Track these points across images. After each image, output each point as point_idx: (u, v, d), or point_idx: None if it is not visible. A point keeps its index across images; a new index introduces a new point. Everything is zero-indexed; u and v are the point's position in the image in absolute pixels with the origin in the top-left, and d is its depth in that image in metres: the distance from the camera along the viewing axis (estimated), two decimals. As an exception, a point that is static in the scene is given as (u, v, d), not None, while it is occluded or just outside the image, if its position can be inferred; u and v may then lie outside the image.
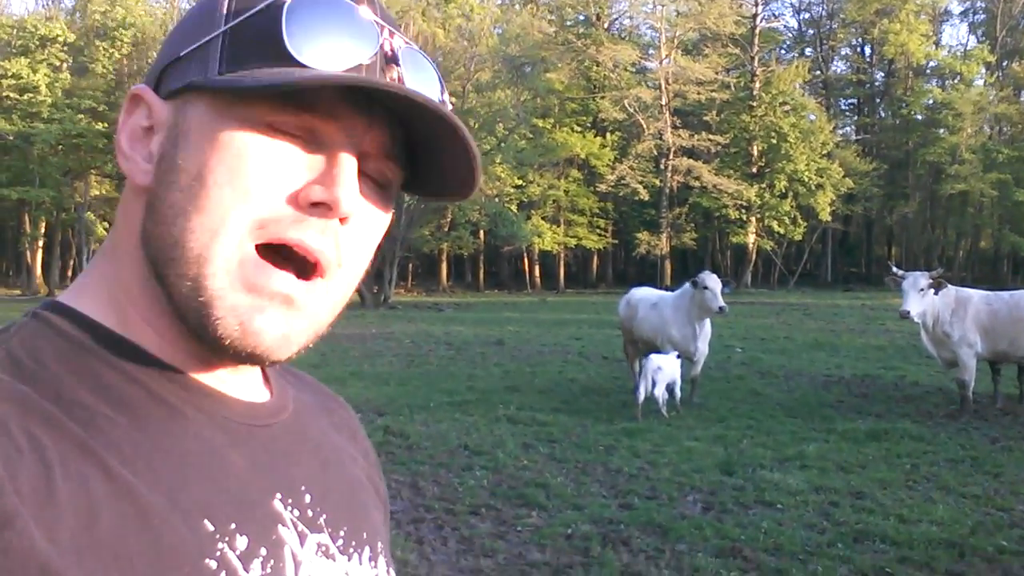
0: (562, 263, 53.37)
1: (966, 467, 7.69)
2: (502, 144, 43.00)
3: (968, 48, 58.02)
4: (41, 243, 47.79)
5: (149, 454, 0.70)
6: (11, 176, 43.54)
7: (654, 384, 9.75)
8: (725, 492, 6.86)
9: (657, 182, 49.05)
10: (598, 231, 51.99)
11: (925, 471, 7.54)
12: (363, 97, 0.72)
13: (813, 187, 47.45)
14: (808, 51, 61.34)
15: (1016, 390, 10.72)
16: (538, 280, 53.24)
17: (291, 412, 0.86)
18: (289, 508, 0.78)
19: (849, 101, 64.40)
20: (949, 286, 10.17)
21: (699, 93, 48.48)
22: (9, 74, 41.36)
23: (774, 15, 60.23)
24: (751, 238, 49.90)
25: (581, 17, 55.52)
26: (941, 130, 52.77)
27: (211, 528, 0.70)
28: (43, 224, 47.77)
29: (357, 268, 0.79)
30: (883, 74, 60.64)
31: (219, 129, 0.72)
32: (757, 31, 52.66)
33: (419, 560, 5.36)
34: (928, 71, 57.83)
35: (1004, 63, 55.97)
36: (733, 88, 51.03)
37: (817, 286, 49.59)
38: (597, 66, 50.44)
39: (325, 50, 0.71)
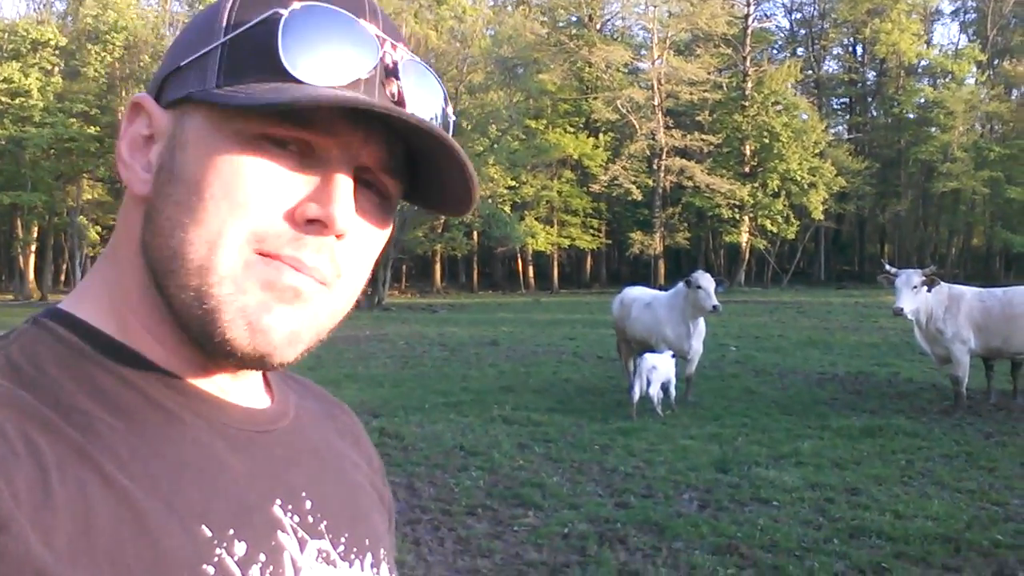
0: (556, 263, 53.40)
1: (961, 462, 7.71)
2: (495, 145, 43.00)
3: (959, 47, 58.17)
4: (34, 247, 47.63)
5: (147, 459, 0.70)
6: (3, 180, 43.40)
7: (649, 383, 9.76)
8: (721, 490, 6.87)
9: (650, 182, 49.07)
10: (591, 231, 52.02)
11: (920, 467, 7.56)
12: (361, 112, 0.71)
13: (806, 186, 47.54)
14: (800, 51, 61.40)
15: (1009, 385, 10.75)
16: (532, 281, 53.24)
17: (292, 418, 0.86)
18: (289, 514, 0.77)
19: (841, 100, 64.51)
20: (942, 283, 10.21)
21: (691, 93, 48.53)
22: (1, 78, 41.24)
23: (766, 15, 60.47)
24: (744, 237, 49.96)
25: (573, 18, 55.53)
26: (933, 128, 52.87)
27: (209, 534, 0.69)
28: (36, 228, 47.60)
29: (357, 279, 0.78)
30: (875, 73, 60.76)
31: (216, 142, 0.72)
32: (749, 31, 52.74)
33: (416, 561, 5.36)
34: (919, 70, 58.00)
35: (995, 62, 56.18)
36: (725, 88, 51.08)
37: (810, 284, 49.67)
38: (589, 67, 50.48)
39: (322, 65, 0.70)
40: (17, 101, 41.33)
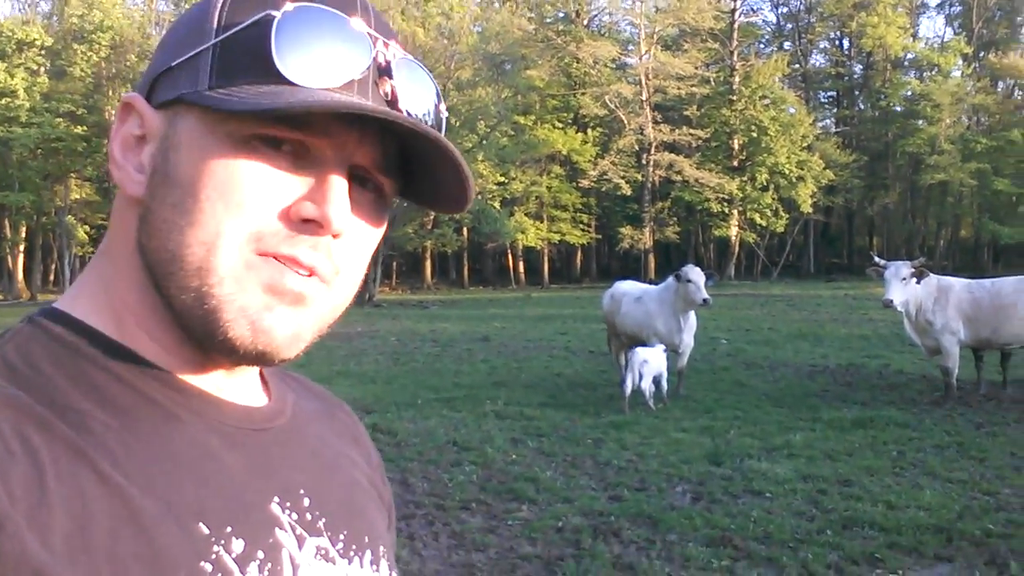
0: (546, 259, 53.42)
1: (952, 453, 7.75)
2: (484, 141, 42.95)
3: (945, 40, 58.31)
4: (22, 248, 47.44)
5: (143, 457, 0.70)
6: (-10, 181, 43.26)
7: (641, 377, 9.78)
8: (714, 482, 6.89)
9: (639, 177, 49.11)
10: (581, 226, 52.02)
11: (911, 457, 7.60)
12: (355, 114, 0.71)
13: (794, 179, 47.63)
14: (787, 45, 61.53)
15: (999, 376, 10.81)
16: (522, 276, 53.25)
17: (289, 416, 0.86)
18: (287, 511, 0.77)
19: (828, 94, 64.60)
20: (931, 275, 10.24)
21: (679, 88, 48.58)
22: (-14, 79, 41.06)
23: (752, 10, 60.56)
24: (733, 231, 50.07)
25: (560, 14, 55.50)
26: (920, 121, 53.03)
27: (206, 531, 0.69)
28: (24, 229, 47.38)
29: (355, 276, 0.79)
30: (861, 67, 60.87)
31: (210, 144, 0.71)
32: (736, 26, 52.79)
33: (411, 556, 5.37)
34: (906, 63, 58.17)
35: (981, 54, 56.32)
36: (713, 83, 51.13)
37: (800, 277, 49.79)
38: (577, 63, 50.46)
39: (315, 67, 0.70)
40: (3, 101, 41.08)
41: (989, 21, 57.10)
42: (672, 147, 49.65)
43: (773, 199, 48.45)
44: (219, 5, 0.74)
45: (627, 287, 12.33)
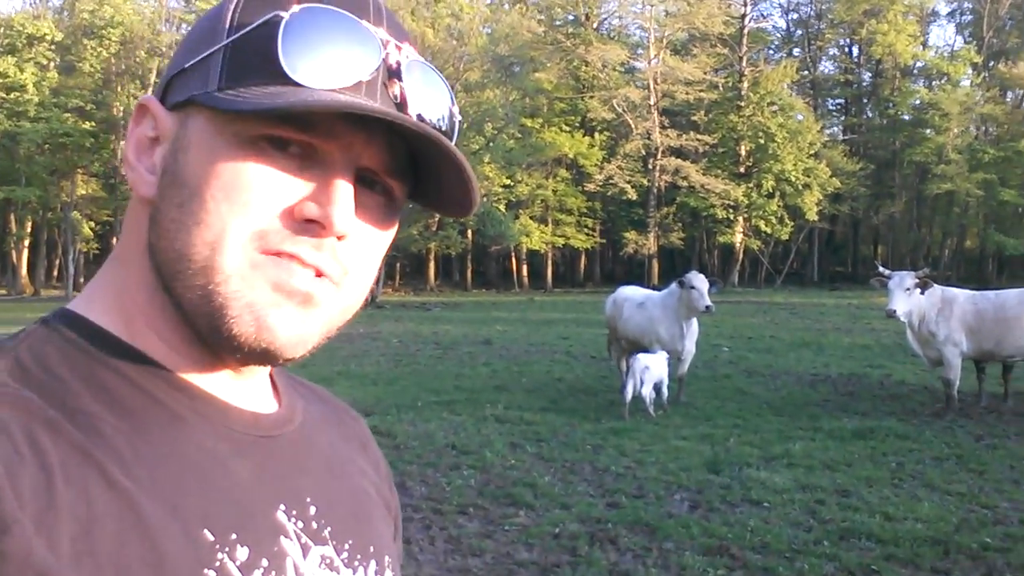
0: (550, 262, 53.36)
1: (951, 465, 7.74)
2: (491, 144, 43.02)
3: (955, 49, 58.20)
4: (27, 243, 47.56)
5: (150, 462, 0.70)
6: (-3, 175, 43.39)
7: (642, 383, 9.77)
8: (712, 490, 6.88)
9: (645, 182, 49.07)
10: (586, 230, 52.00)
11: (910, 469, 7.59)
12: (362, 114, 0.71)
13: (800, 187, 47.54)
14: (796, 51, 61.48)
15: (1000, 389, 10.79)
16: (526, 279, 53.21)
17: (298, 424, 0.86)
18: (293, 520, 0.77)
19: (837, 101, 64.55)
20: (935, 285, 10.23)
21: (687, 93, 48.55)
22: (-4, 73, 41.19)
23: (762, 15, 60.49)
24: (738, 238, 49.97)
25: (570, 17, 55.49)
26: (928, 130, 52.93)
27: (211, 538, 0.70)
28: (29, 224, 47.55)
29: (365, 277, 0.79)
30: (871, 74, 60.79)
31: (217, 145, 0.72)
32: (745, 31, 52.72)
33: (407, 560, 5.35)
34: (915, 71, 58.03)
35: (990, 64, 56.19)
36: (721, 88, 51.10)
37: (803, 285, 49.70)
38: (586, 66, 50.44)
39: (322, 67, 0.70)
40: (12, 96, 41.25)
41: (1000, 30, 56.99)
42: (679, 152, 49.62)
43: (779, 206, 48.38)
44: (232, 6, 0.75)
45: (630, 292, 12.33)
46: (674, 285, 11.15)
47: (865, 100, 61.12)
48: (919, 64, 57.00)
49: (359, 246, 0.76)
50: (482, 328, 22.76)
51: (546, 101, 51.27)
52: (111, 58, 44.44)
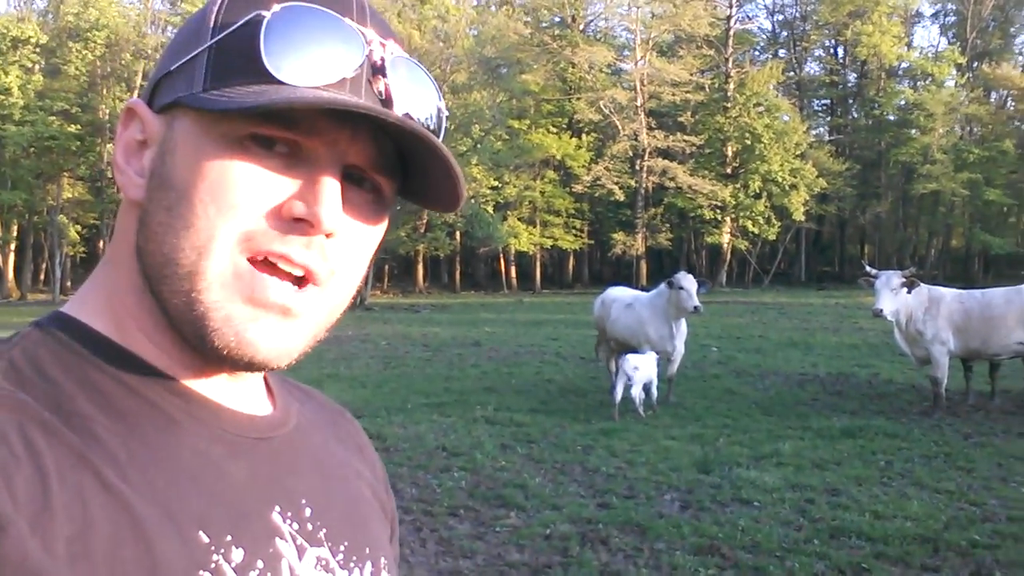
0: (538, 264, 53.33)
1: (939, 463, 7.77)
2: (478, 145, 42.98)
3: (939, 49, 58.43)
4: (13, 247, 47.28)
5: (145, 464, 0.70)
6: (-17, 179, 43.14)
7: (631, 384, 9.79)
8: (702, 490, 6.90)
9: (632, 183, 49.11)
10: (574, 232, 52.01)
11: (899, 467, 7.62)
12: (347, 111, 0.70)
13: (787, 187, 47.66)
14: (782, 52, 61.61)
15: (987, 387, 10.84)
16: (514, 281, 53.18)
17: (293, 426, 0.86)
18: (288, 521, 0.77)
19: (822, 102, 64.71)
20: (922, 285, 10.27)
21: (674, 94, 48.62)
22: (-20, 76, 40.96)
23: (748, 17, 60.62)
24: (726, 238, 50.07)
25: (556, 19, 55.50)
26: (913, 130, 53.11)
27: (206, 540, 0.70)
28: (15, 227, 47.26)
29: (352, 276, 0.79)
30: (856, 75, 60.99)
31: (203, 145, 0.72)
32: (731, 33, 52.85)
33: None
34: (900, 72, 58.25)
35: (974, 64, 56.45)
36: (707, 89, 51.17)
37: (791, 285, 49.83)
38: (573, 67, 50.47)
39: (305, 65, 0.71)
40: (-3, 99, 41.02)
41: (983, 31, 57.29)
42: (666, 153, 49.66)
43: (766, 207, 48.49)
44: (216, 8, 0.75)
45: (618, 293, 12.35)
46: (663, 286, 11.17)
47: (850, 101, 61.31)
48: (904, 65, 57.24)
49: (348, 243, 0.76)
50: (471, 330, 22.75)
51: (533, 103, 51.25)
52: (96, 61, 44.23)
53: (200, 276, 0.71)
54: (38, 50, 43.78)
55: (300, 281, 0.74)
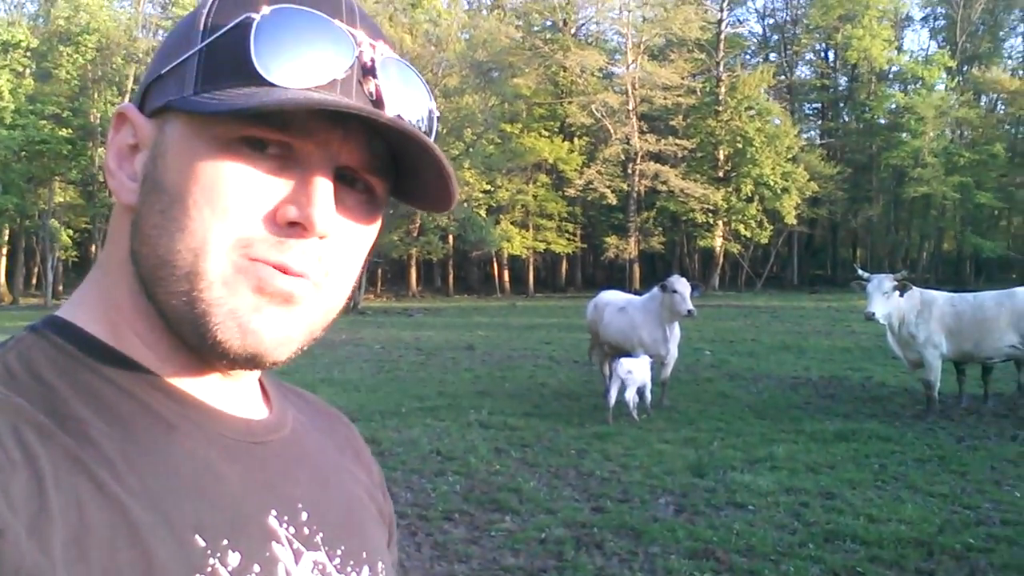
0: (531, 267, 53.40)
1: (933, 466, 7.79)
2: (470, 149, 42.99)
3: (929, 53, 58.72)
4: (5, 251, 47.15)
5: (141, 468, 0.70)
6: (-26, 183, 42.98)
7: (625, 387, 9.79)
8: (696, 494, 6.90)
9: (625, 186, 49.17)
10: (567, 235, 52.03)
11: (893, 471, 7.63)
12: (338, 112, 0.71)
13: (778, 191, 47.78)
14: (773, 56, 61.85)
15: (980, 390, 10.87)
16: (507, 285, 53.18)
17: (290, 430, 0.86)
18: (284, 525, 0.77)
19: (813, 105, 64.88)
20: (914, 288, 10.30)
21: (665, 98, 48.70)
22: (-29, 80, 40.80)
23: (739, 21, 60.86)
24: (718, 241, 50.20)
25: (548, 23, 55.61)
26: (904, 134, 53.28)
27: (202, 543, 0.70)
28: (7, 231, 47.10)
29: (347, 277, 0.79)
30: (846, 79, 61.19)
31: (195, 149, 0.72)
32: (722, 37, 53.01)
33: (393, 566, 5.35)
34: (891, 76, 58.46)
35: (964, 68, 56.72)
36: (699, 93, 51.26)
37: (783, 288, 49.95)
38: (564, 71, 50.56)
39: (295, 67, 0.71)
40: (-12, 103, 40.87)
41: (973, 35, 57.53)
42: (658, 157, 49.71)
43: (758, 210, 48.60)
44: (205, 11, 0.75)
45: (611, 297, 12.36)
46: (656, 289, 11.18)
47: (841, 104, 61.51)
48: (894, 68, 57.47)
49: (342, 244, 0.76)
50: (464, 333, 22.74)
51: (525, 106, 51.26)
52: (87, 65, 44.10)
53: (200, 276, 0.71)
54: (29, 54, 43.63)
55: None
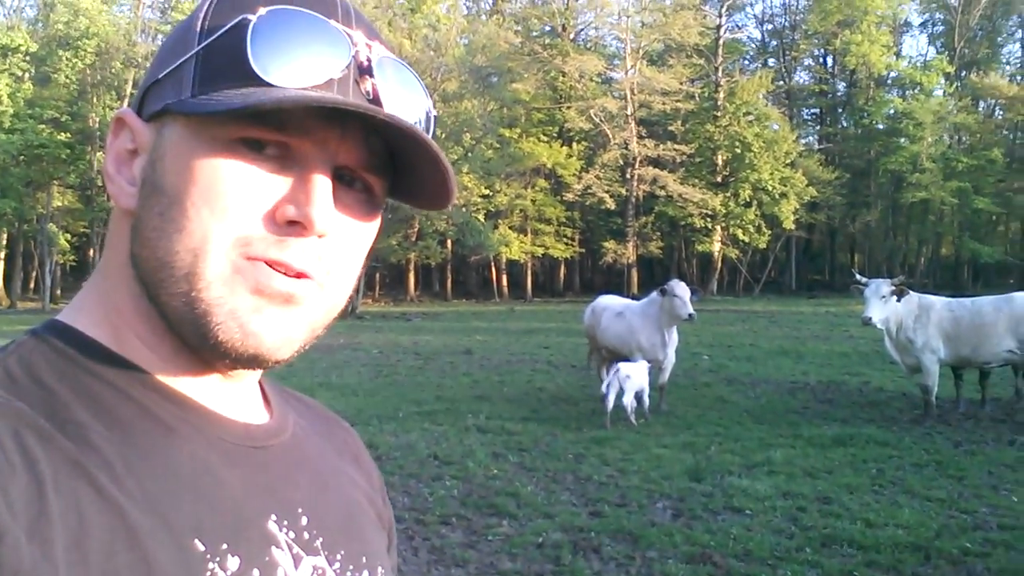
0: (529, 272, 53.34)
1: (930, 471, 7.79)
2: (469, 154, 42.98)
3: (928, 59, 58.76)
4: (3, 255, 47.11)
5: (141, 472, 0.70)
6: (-28, 187, 42.95)
7: (623, 392, 9.79)
8: (694, 499, 6.90)
9: (623, 191, 49.16)
10: (565, 240, 52.02)
11: (890, 475, 7.63)
12: (335, 111, 0.71)
13: (777, 196, 47.79)
14: (771, 62, 61.90)
15: (978, 395, 10.88)
16: (506, 289, 53.14)
17: (290, 434, 0.86)
18: (284, 530, 0.77)
19: (812, 111, 64.91)
20: (912, 293, 10.32)
21: (664, 103, 48.69)
22: (-30, 85, 40.79)
23: (737, 26, 60.78)
24: (716, 246, 50.20)
25: (547, 28, 55.62)
26: (902, 139, 53.28)
27: (202, 548, 0.70)
28: (5, 235, 47.08)
29: (347, 276, 0.79)
30: (845, 84, 61.21)
31: (194, 150, 0.72)
32: (721, 42, 53.02)
33: (390, 570, 5.35)
34: (889, 81, 58.46)
35: (963, 73, 56.74)
36: (698, 98, 51.32)
37: (782, 293, 49.92)
38: (563, 76, 50.59)
39: (292, 67, 0.71)
40: (-13, 107, 40.85)
41: (971, 41, 57.58)
42: (656, 162, 49.77)
43: (756, 215, 48.60)
44: (202, 14, 0.76)
45: (609, 301, 12.37)
46: (655, 294, 11.20)
47: (840, 110, 61.52)
48: (892, 74, 57.44)
49: (341, 243, 0.77)
50: (462, 338, 22.74)
51: (524, 111, 51.27)
52: (86, 69, 44.08)
53: (199, 276, 0.71)
54: (28, 58, 43.62)
55: (298, 277, 0.75)
